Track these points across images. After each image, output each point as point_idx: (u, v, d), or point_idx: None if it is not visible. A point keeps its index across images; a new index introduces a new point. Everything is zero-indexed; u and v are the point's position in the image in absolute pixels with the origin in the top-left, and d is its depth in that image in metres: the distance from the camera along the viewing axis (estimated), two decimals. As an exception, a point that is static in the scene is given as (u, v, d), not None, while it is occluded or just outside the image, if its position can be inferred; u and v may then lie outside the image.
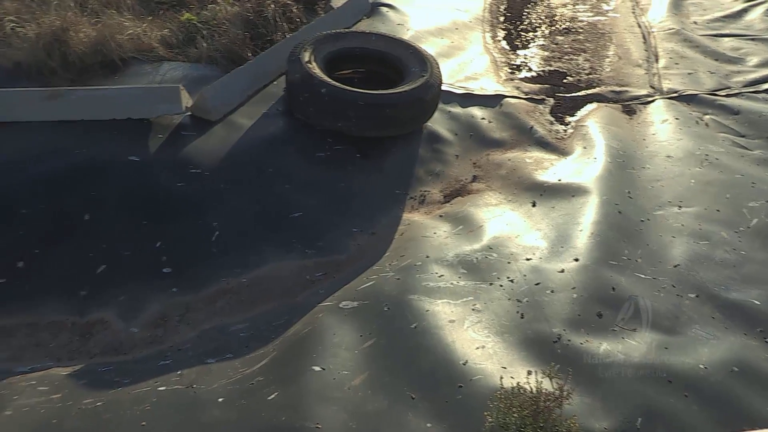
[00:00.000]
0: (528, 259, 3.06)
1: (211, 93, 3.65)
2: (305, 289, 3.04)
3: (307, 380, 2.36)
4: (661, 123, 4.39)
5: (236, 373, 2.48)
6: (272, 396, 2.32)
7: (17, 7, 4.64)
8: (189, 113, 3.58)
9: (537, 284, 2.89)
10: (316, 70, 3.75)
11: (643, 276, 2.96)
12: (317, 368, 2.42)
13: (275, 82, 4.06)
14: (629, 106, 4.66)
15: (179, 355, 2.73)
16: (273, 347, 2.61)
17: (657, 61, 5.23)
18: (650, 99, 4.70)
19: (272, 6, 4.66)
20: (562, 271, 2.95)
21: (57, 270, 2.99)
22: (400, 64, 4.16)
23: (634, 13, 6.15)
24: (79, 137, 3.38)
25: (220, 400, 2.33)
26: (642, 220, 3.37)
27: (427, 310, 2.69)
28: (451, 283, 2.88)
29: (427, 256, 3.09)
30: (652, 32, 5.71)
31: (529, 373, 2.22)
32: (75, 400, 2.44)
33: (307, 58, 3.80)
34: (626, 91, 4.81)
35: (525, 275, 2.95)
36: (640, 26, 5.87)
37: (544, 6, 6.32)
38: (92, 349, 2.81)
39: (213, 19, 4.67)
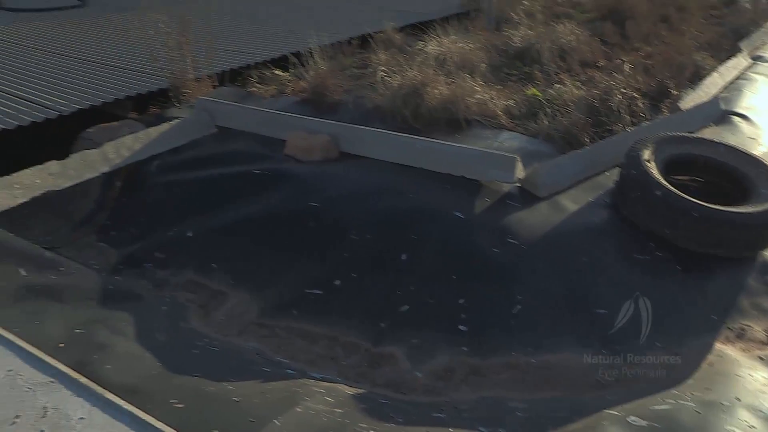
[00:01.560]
0: None
1: (544, 170, 3.70)
2: (593, 389, 2.87)
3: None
4: None
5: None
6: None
7: (389, 60, 5.22)
8: (518, 184, 3.66)
9: None
10: (653, 170, 3.60)
11: None
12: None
13: (607, 173, 3.98)
14: None
15: (454, 413, 2.74)
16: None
17: None
18: None
19: (619, 96, 4.62)
20: None
21: (366, 297, 3.21)
22: (746, 181, 3.81)
23: None
24: (415, 182, 3.66)
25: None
26: None
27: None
28: (765, 440, 2.52)
29: (738, 399, 2.74)
30: None
31: None
32: (352, 419, 2.56)
33: (646, 156, 3.67)
34: None
35: None
36: None
37: None
38: (377, 378, 2.95)
39: (557, 98, 4.76)
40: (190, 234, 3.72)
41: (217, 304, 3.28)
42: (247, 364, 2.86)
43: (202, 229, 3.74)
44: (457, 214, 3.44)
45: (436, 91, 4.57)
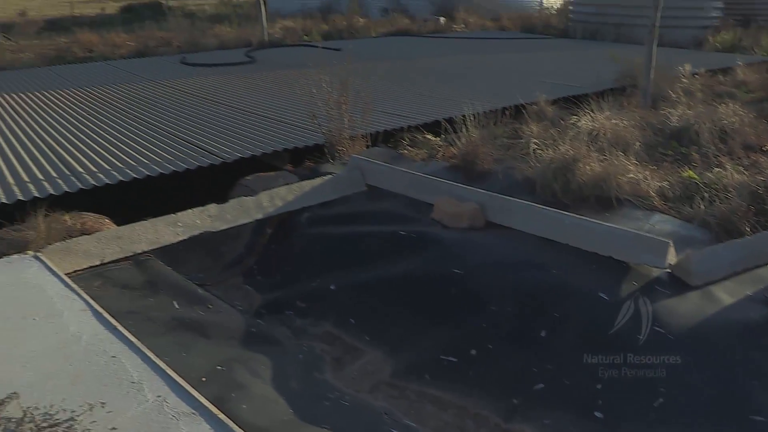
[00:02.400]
0: None
1: (699, 258, 3.55)
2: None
3: None
4: None
5: None
6: None
7: (541, 132, 5.25)
8: (669, 270, 3.53)
9: None
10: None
11: None
12: None
13: (768, 267, 3.76)
14: None
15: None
16: None
17: None
18: None
19: (787, 184, 4.36)
20: None
21: (501, 370, 3.18)
22: None
23: None
24: (561, 259, 3.62)
25: None
26: None
27: None
28: None
29: None
30: None
31: None
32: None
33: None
34: None
35: None
36: None
37: None
38: (505, 456, 2.91)
39: (716, 182, 4.57)
40: (332, 287, 3.87)
41: (352, 359, 3.37)
42: (376, 424, 2.91)
43: (344, 283, 3.88)
44: (602, 295, 3.36)
45: (587, 167, 4.53)
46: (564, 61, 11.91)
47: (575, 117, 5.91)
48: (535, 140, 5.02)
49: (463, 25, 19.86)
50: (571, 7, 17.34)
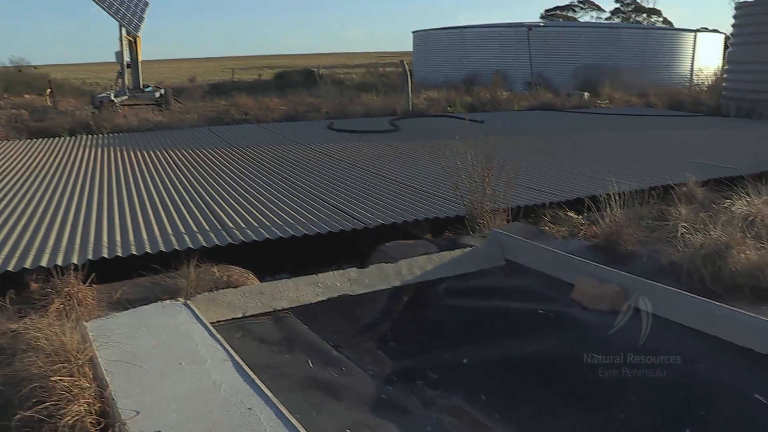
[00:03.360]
0: None
1: None
2: None
3: None
4: None
5: None
6: None
7: (689, 215, 5.05)
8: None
9: None
10: None
11: None
12: None
13: None
14: None
15: None
16: None
17: None
18: None
19: None
20: None
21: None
22: None
23: None
24: (709, 352, 3.42)
25: None
26: None
27: None
28: None
29: None
30: None
31: None
32: None
33: None
34: None
35: None
36: None
37: None
38: None
39: None
40: (465, 360, 3.86)
41: (480, 436, 3.32)
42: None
43: (478, 357, 3.86)
44: (758, 397, 3.13)
45: (742, 255, 4.29)
46: (716, 140, 11.41)
47: (728, 200, 5.63)
48: (684, 223, 4.81)
49: (607, 101, 19.61)
50: (724, 84, 16.63)
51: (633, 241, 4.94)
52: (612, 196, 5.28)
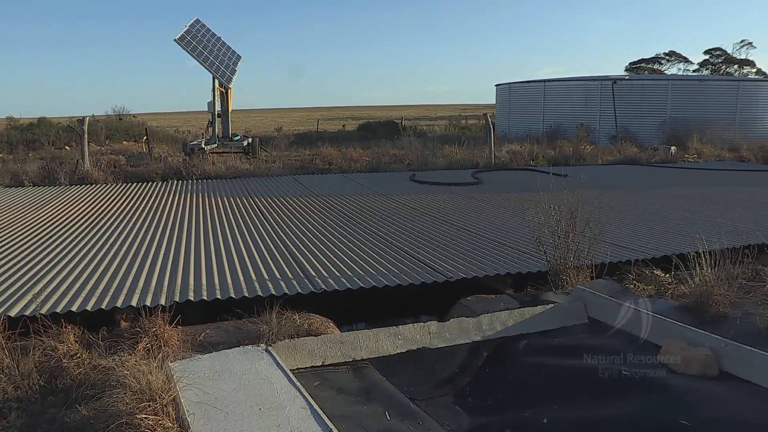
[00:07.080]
0: None
1: None
2: None
3: None
4: None
5: None
6: None
7: (789, 276, 4.79)
8: None
9: None
10: None
11: None
12: None
13: None
14: None
15: None
16: None
17: None
18: None
19: None
20: None
21: None
22: None
23: None
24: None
25: None
26: None
27: None
28: None
29: None
30: None
31: None
32: None
33: None
34: None
35: None
36: None
37: None
38: None
39: None
40: (545, 420, 3.75)
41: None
42: None
43: (558, 417, 3.75)
44: None
45: None
46: (816, 197, 10.85)
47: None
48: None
49: (696, 155, 19.02)
50: (826, 138, 15.88)
51: (725, 303, 4.71)
52: (702, 255, 5.06)
